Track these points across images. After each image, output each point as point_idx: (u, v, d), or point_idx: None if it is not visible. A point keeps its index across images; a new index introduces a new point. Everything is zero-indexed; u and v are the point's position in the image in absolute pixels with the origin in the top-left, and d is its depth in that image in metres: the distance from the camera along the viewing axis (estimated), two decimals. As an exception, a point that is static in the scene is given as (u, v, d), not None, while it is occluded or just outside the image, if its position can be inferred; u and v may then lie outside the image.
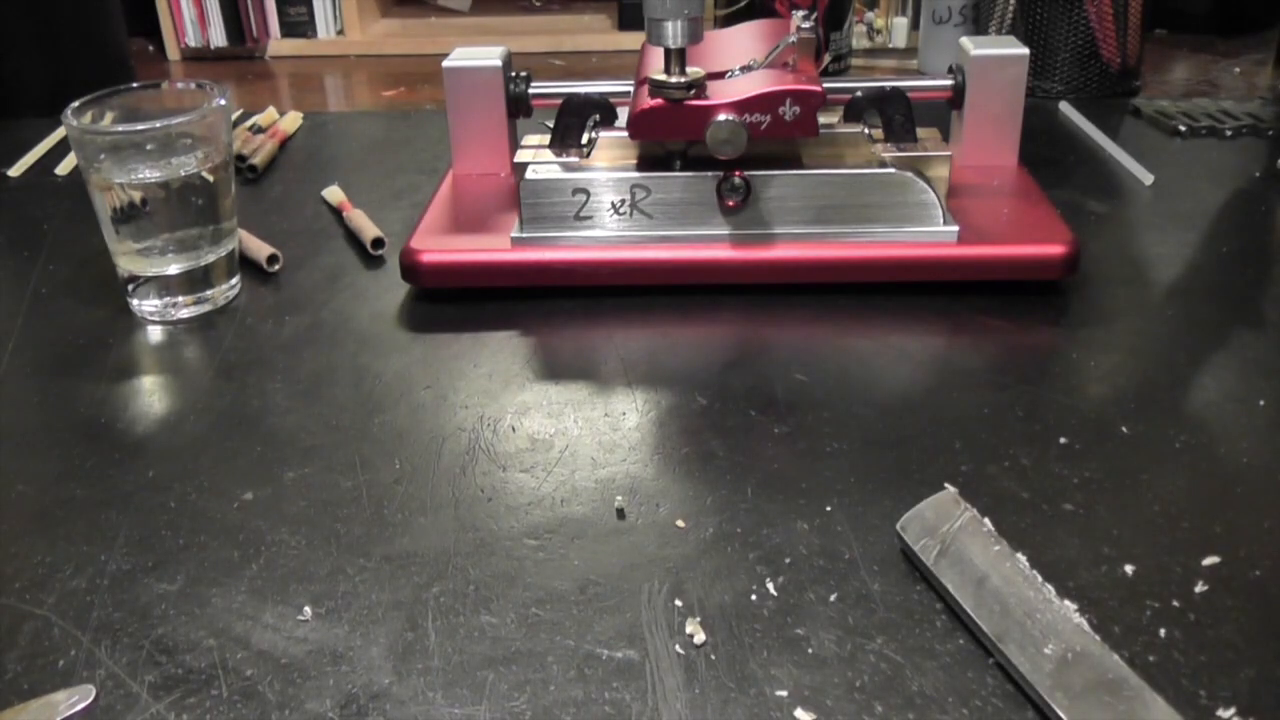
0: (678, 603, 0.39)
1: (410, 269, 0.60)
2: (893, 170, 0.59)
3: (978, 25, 0.99)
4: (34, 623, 0.39)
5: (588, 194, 0.59)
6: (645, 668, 0.37)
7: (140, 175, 0.56)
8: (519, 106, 0.68)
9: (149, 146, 0.57)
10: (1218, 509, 0.43)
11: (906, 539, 0.40)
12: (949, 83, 0.68)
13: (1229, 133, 0.82)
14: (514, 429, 0.50)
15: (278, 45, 1.22)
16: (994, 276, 0.59)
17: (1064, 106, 0.89)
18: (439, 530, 0.43)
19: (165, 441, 0.50)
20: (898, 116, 0.62)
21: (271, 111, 0.90)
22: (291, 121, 0.89)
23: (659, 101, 0.58)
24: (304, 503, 0.45)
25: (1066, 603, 0.37)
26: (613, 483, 0.46)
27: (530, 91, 0.68)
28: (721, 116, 0.57)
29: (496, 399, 0.52)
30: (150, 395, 0.53)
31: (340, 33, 1.24)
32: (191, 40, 1.20)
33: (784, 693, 0.35)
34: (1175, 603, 0.38)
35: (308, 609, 0.39)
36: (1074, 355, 0.54)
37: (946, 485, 0.44)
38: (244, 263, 0.65)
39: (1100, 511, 0.43)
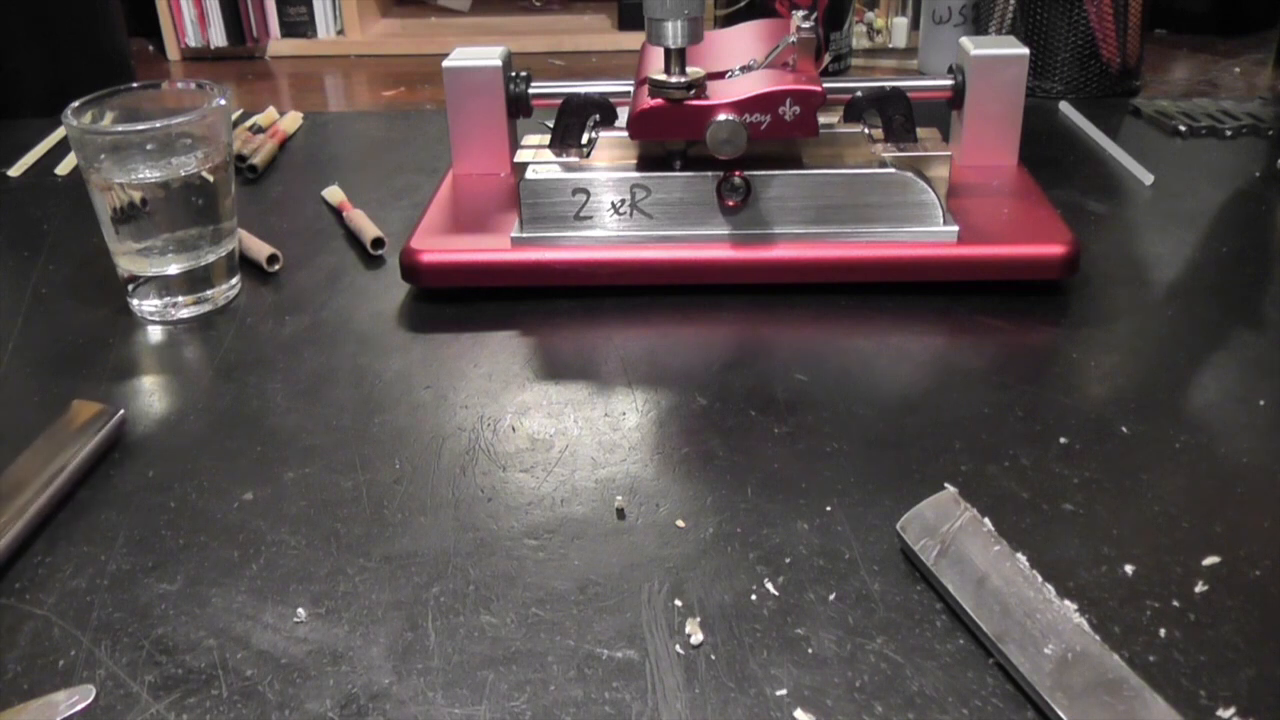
0: (678, 603, 0.39)
1: (410, 269, 0.60)
2: (893, 170, 0.59)
3: (978, 25, 0.99)
4: (34, 623, 0.39)
5: (588, 194, 0.59)
6: (645, 668, 0.37)
7: (140, 175, 0.56)
8: (519, 106, 0.68)
9: (149, 146, 0.57)
10: (1218, 509, 0.43)
11: (906, 539, 0.40)
12: (949, 83, 0.68)
13: (1229, 133, 0.82)
14: (514, 429, 0.50)
15: (278, 45, 1.22)
16: (994, 276, 0.59)
17: (1064, 106, 0.89)
18: (439, 530, 0.43)
19: (165, 441, 0.50)
20: (898, 116, 0.62)
21: (271, 111, 0.90)
22: (291, 121, 0.89)
23: (659, 101, 0.58)
24: (304, 503, 0.45)
25: (1066, 603, 0.37)
26: (613, 483, 0.46)
27: (530, 91, 0.68)
28: (721, 116, 0.57)
29: (496, 399, 0.52)
30: (150, 395, 0.53)
31: (340, 33, 1.23)
32: (191, 40, 1.20)
33: (784, 693, 0.35)
34: (1175, 603, 0.38)
35: (301, 611, 0.39)
36: (1074, 355, 0.54)
37: (946, 485, 0.44)
38: (244, 263, 0.65)
39: (1100, 511, 0.43)
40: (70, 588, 0.41)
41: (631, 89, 0.63)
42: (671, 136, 0.59)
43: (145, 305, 0.60)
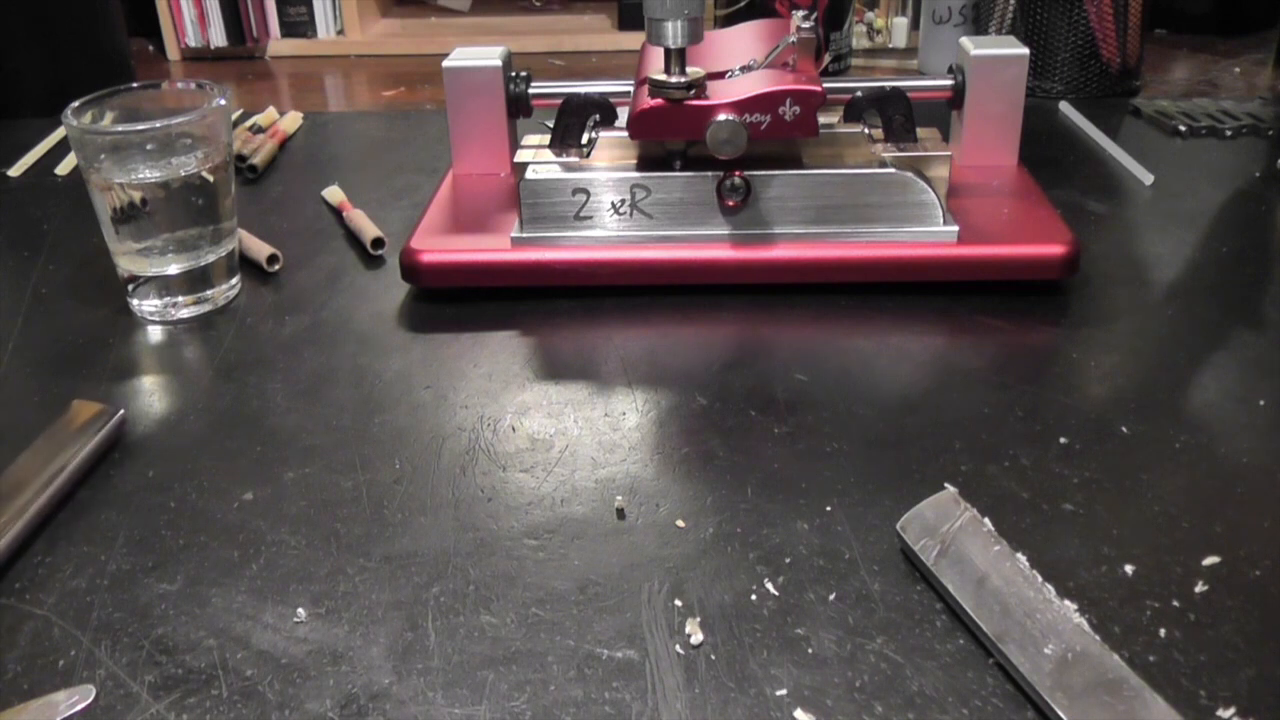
0: (678, 603, 0.39)
1: (410, 269, 0.60)
2: (893, 170, 0.59)
3: (978, 25, 0.99)
4: (34, 623, 0.39)
5: (588, 194, 0.59)
6: (645, 668, 0.37)
7: (140, 175, 0.56)
8: (519, 106, 0.68)
9: (149, 146, 0.57)
10: (1218, 509, 0.43)
11: (906, 539, 0.40)
12: (949, 83, 0.68)
13: (1229, 133, 0.82)
14: (514, 429, 0.50)
15: (278, 45, 1.22)
16: (994, 276, 0.59)
17: (1064, 106, 0.89)
18: (439, 530, 0.43)
19: (165, 441, 0.50)
20: (898, 116, 0.62)
21: (271, 111, 0.90)
22: (291, 121, 0.89)
23: (659, 101, 0.58)
24: (304, 503, 0.45)
25: (1066, 603, 0.37)
26: (613, 483, 0.46)
27: (530, 91, 0.68)
28: (721, 116, 0.57)
29: (496, 399, 0.52)
30: (150, 395, 0.53)
31: (340, 33, 1.23)
32: (191, 40, 1.20)
33: (784, 693, 0.35)
34: (1175, 603, 0.38)
35: (301, 611, 0.39)
36: (1074, 355, 0.54)
37: (946, 485, 0.44)
38: (244, 263, 0.65)
39: (1100, 511, 0.43)
40: (70, 588, 0.41)
41: (631, 89, 0.63)
42: (671, 136, 0.59)
43: (145, 305, 0.60)
